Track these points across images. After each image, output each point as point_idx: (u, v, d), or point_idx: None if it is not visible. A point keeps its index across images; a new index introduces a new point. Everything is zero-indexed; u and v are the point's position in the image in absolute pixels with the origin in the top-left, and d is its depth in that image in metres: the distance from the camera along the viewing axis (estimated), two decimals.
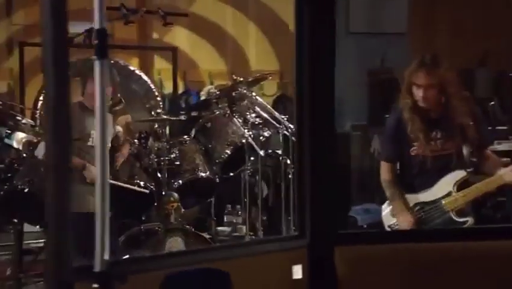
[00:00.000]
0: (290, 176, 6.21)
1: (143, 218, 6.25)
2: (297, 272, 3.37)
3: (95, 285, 2.43)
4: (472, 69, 8.90)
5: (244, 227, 6.83)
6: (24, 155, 6.30)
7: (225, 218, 7.22)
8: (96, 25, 2.36)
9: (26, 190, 6.02)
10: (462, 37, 10.20)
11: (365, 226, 7.56)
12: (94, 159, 5.28)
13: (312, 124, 3.17)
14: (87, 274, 2.45)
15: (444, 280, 3.36)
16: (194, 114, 6.82)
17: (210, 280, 2.96)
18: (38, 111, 7.11)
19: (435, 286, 3.33)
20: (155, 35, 10.98)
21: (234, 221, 6.94)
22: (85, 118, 5.54)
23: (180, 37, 11.08)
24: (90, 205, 5.55)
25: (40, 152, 5.64)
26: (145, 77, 7.40)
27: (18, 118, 6.35)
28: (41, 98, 7.47)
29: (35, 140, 6.38)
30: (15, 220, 6.65)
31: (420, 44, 10.34)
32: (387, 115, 5.42)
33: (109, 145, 5.84)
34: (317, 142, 3.14)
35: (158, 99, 7.42)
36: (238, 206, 7.05)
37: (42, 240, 7.42)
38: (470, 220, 4.79)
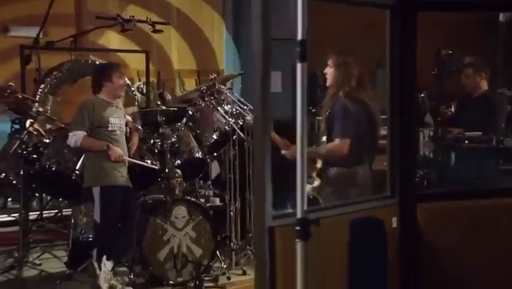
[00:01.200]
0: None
1: None
2: (395, 222, 4.12)
3: (297, 228, 2.99)
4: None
5: (217, 199, 7.39)
6: (47, 140, 6.71)
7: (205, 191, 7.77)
8: (299, 36, 3.00)
9: (53, 168, 6.45)
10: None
11: None
12: (114, 141, 5.94)
13: (400, 105, 3.94)
14: (290, 220, 3.03)
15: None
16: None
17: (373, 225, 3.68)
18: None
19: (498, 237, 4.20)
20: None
21: (206, 193, 7.51)
22: (106, 110, 6.10)
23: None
24: (116, 177, 6.18)
25: (71, 141, 6.09)
26: None
27: (33, 107, 6.73)
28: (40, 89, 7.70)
29: (54, 128, 6.77)
30: (43, 194, 7.09)
31: None
32: None
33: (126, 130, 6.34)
34: (404, 119, 3.94)
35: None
36: (209, 182, 7.62)
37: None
38: None
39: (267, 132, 3.25)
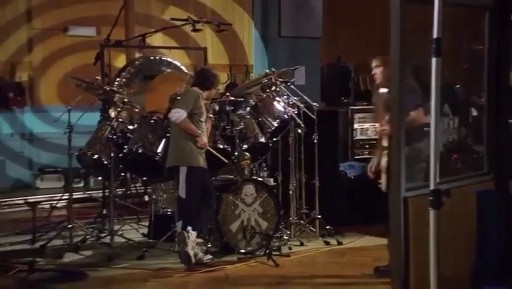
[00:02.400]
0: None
1: None
2: None
3: (430, 198, 3.23)
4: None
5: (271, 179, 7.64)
6: (131, 127, 6.94)
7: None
8: (435, 35, 3.23)
9: (139, 151, 6.69)
10: None
11: None
12: (202, 130, 6.20)
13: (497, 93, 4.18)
14: (421, 191, 3.26)
15: None
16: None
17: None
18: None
19: None
20: None
21: (261, 175, 7.73)
22: (202, 103, 6.35)
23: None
24: (200, 160, 6.48)
25: (173, 115, 6.43)
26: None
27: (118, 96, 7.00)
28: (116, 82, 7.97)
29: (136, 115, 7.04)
30: (131, 174, 7.35)
31: None
32: None
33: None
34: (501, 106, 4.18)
35: None
36: (263, 164, 7.87)
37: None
38: None
39: (402, 114, 3.49)
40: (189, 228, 6.33)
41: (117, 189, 7.98)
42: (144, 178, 7.59)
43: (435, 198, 3.23)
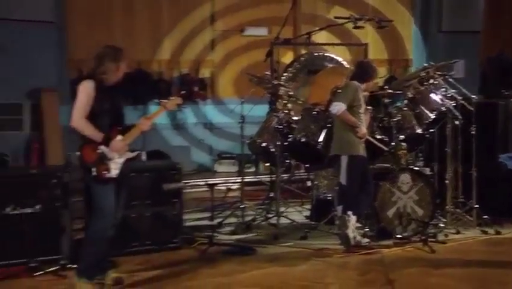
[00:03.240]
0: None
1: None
2: None
3: None
4: None
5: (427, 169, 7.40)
6: (295, 118, 6.99)
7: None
8: None
9: (302, 140, 6.69)
10: None
11: None
12: (360, 121, 6.10)
13: None
14: None
15: None
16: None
17: None
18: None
19: None
20: None
21: (417, 164, 7.52)
22: (362, 96, 6.27)
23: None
24: (360, 149, 6.44)
25: (334, 108, 6.41)
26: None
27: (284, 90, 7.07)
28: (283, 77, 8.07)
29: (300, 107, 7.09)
30: (295, 161, 7.42)
31: None
32: None
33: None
34: None
35: None
36: (420, 154, 7.65)
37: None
38: None
39: None
40: (349, 212, 6.32)
41: (283, 175, 8.11)
42: (307, 165, 7.64)
43: None
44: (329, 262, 5.96)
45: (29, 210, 5.54)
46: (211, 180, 9.74)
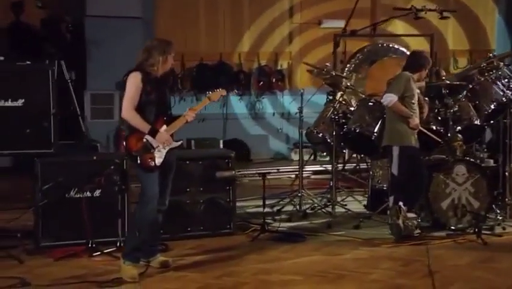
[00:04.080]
0: None
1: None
2: None
3: None
4: None
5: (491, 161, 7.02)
6: (352, 108, 6.78)
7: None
8: None
9: (357, 131, 6.50)
10: None
11: None
12: (414, 111, 5.82)
13: None
14: None
15: None
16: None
17: None
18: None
19: None
20: None
21: (481, 156, 7.11)
22: (414, 86, 6.00)
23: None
24: (412, 140, 6.18)
25: (386, 100, 6.17)
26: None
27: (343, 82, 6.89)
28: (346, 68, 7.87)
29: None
30: (349, 150, 7.24)
31: None
32: None
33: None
34: None
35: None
36: (483, 145, 7.23)
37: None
38: None
39: None
40: (400, 203, 6.05)
41: (347, 165, 7.92)
42: (361, 155, 7.41)
43: None
44: (375, 251, 5.73)
45: (89, 194, 5.71)
46: (285, 168, 9.80)
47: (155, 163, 4.88)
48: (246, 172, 8.93)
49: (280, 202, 7.41)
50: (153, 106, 4.91)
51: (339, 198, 7.44)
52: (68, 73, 9.84)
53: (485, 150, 7.36)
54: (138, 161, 4.84)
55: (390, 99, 6.13)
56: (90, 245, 5.48)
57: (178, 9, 12.18)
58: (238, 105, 12.50)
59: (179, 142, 5.08)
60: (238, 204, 6.57)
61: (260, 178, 6.46)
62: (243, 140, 12.09)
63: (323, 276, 5.02)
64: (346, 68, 8.04)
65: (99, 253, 5.45)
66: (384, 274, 5.06)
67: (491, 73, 6.80)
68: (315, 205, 7.24)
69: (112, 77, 11.10)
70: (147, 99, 4.88)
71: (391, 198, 6.22)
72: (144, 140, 4.86)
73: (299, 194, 7.20)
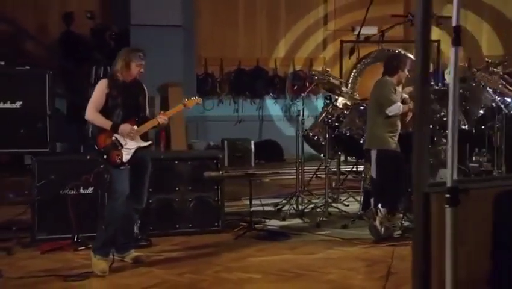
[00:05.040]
0: None
1: None
2: None
3: (447, 195, 2.64)
4: None
5: (489, 164, 6.61)
6: (346, 112, 6.61)
7: (473, 158, 6.99)
8: (454, 23, 2.66)
9: (347, 134, 6.31)
10: None
11: None
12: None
13: None
14: (441, 188, 2.71)
15: None
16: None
17: None
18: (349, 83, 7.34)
19: None
20: None
21: (480, 160, 6.73)
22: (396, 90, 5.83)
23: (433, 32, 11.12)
24: (391, 145, 6.06)
25: (397, 109, 5.91)
26: None
27: (342, 88, 6.69)
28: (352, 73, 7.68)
29: (349, 103, 6.68)
30: (340, 153, 7.06)
31: None
32: None
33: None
34: None
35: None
36: (483, 150, 6.83)
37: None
38: None
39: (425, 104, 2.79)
40: (379, 205, 5.83)
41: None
42: (353, 157, 7.19)
43: (452, 196, 2.61)
44: (348, 252, 5.51)
45: (82, 191, 5.79)
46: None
47: (121, 160, 4.92)
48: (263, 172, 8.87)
49: (282, 201, 7.30)
50: (121, 109, 4.95)
51: (342, 198, 7.33)
52: None
53: (485, 153, 6.98)
54: (105, 157, 4.92)
55: (398, 107, 5.87)
56: (75, 239, 5.58)
57: (217, 18, 12.29)
58: (273, 107, 12.47)
59: (148, 143, 5.09)
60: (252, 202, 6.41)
61: (280, 177, 6.37)
62: (276, 141, 12.03)
63: (281, 275, 4.87)
64: (352, 73, 7.84)
65: (83, 247, 5.51)
66: (342, 275, 4.85)
67: (480, 79, 6.42)
68: (320, 205, 7.06)
69: (154, 81, 11.33)
70: (114, 102, 4.93)
71: (372, 201, 6.01)
72: (113, 138, 4.92)
73: (296, 194, 7.09)
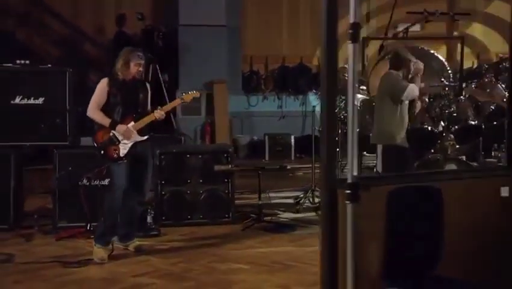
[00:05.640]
0: None
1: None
2: (505, 191, 3.23)
3: (347, 191, 2.59)
4: None
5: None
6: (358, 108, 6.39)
7: (492, 153, 6.65)
8: (351, 20, 2.72)
9: (357, 129, 6.09)
10: None
11: None
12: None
13: None
14: (343, 184, 2.64)
15: None
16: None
17: (425, 195, 2.94)
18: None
19: None
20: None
21: (499, 155, 6.40)
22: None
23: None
24: (397, 140, 5.71)
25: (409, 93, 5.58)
26: (440, 57, 6.98)
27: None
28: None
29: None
30: None
31: None
32: None
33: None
34: None
35: (449, 71, 6.84)
36: (502, 145, 6.49)
37: None
38: None
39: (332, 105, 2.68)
40: None
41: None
42: (364, 153, 6.98)
43: (352, 192, 2.56)
44: None
45: (99, 182, 5.94)
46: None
47: (118, 154, 5.01)
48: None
49: (300, 195, 7.22)
50: (120, 107, 5.03)
51: None
52: (161, 75, 10.33)
53: (503, 149, 6.62)
54: (102, 152, 5.03)
55: (412, 89, 5.50)
56: (88, 228, 5.73)
57: (262, 17, 12.27)
58: (316, 103, 12.33)
59: (145, 137, 5.15)
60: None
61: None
62: (317, 136, 11.87)
63: (270, 266, 4.81)
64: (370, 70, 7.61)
65: None
66: None
67: (493, 74, 6.09)
68: None
69: (201, 78, 11.46)
70: (114, 100, 5.03)
71: None
72: (111, 134, 5.03)
73: (312, 188, 6.98)
